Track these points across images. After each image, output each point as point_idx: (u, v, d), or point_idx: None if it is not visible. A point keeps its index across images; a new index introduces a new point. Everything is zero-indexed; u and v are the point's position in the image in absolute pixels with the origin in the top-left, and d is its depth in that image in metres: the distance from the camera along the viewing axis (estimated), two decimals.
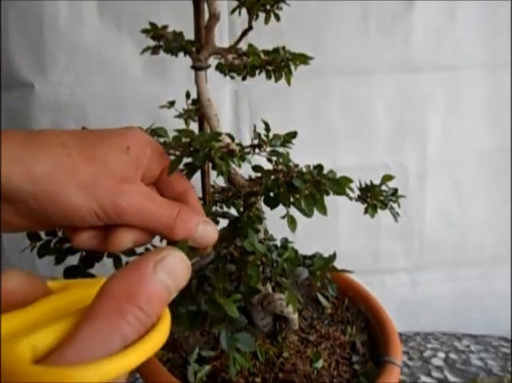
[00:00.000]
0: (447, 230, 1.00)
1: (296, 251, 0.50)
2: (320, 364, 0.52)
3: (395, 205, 0.50)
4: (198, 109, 0.56)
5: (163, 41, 0.51)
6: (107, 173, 0.35)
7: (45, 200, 0.33)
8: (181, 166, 0.47)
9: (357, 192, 0.49)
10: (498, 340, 0.98)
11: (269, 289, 0.51)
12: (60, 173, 0.33)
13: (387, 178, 0.50)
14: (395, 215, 0.49)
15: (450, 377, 0.87)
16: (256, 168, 0.48)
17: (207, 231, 0.38)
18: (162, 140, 0.49)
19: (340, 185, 0.42)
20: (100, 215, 0.35)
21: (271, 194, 0.43)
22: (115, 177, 0.35)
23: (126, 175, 0.36)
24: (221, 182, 0.56)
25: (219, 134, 0.45)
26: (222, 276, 0.43)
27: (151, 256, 0.27)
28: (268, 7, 0.47)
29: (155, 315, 0.26)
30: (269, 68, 0.49)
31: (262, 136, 0.49)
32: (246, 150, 0.49)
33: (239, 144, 0.50)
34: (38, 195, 0.33)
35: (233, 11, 0.48)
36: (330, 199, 0.42)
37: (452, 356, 0.92)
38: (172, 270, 0.28)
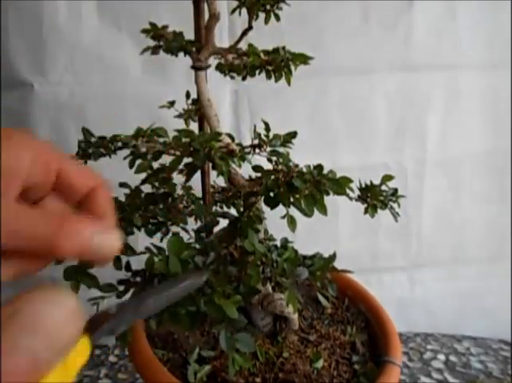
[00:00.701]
0: (445, 229, 1.00)
1: (296, 251, 0.50)
2: (320, 364, 0.52)
3: (395, 205, 0.50)
4: (198, 109, 0.56)
5: (163, 41, 0.51)
6: None
7: None
8: (181, 166, 0.47)
9: (357, 192, 0.49)
10: (498, 342, 0.98)
11: (269, 289, 0.51)
12: None
13: (387, 178, 0.50)
14: (395, 215, 0.49)
15: (450, 379, 0.87)
16: (256, 168, 0.48)
17: (105, 242, 0.31)
18: (162, 140, 0.49)
19: (340, 185, 0.42)
20: None
21: (271, 194, 0.43)
22: None
23: None
24: (221, 182, 0.56)
25: (219, 134, 0.45)
26: (222, 279, 0.42)
27: (1, 310, 0.20)
28: (268, 7, 0.47)
29: None
30: (269, 68, 0.49)
31: (262, 136, 0.49)
32: (246, 150, 0.49)
33: (239, 144, 0.50)
34: None
35: (233, 11, 0.48)
36: (330, 199, 0.42)
37: (452, 358, 0.92)
38: (35, 326, 0.19)
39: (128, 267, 0.49)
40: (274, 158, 0.47)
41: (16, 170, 0.31)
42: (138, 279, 0.50)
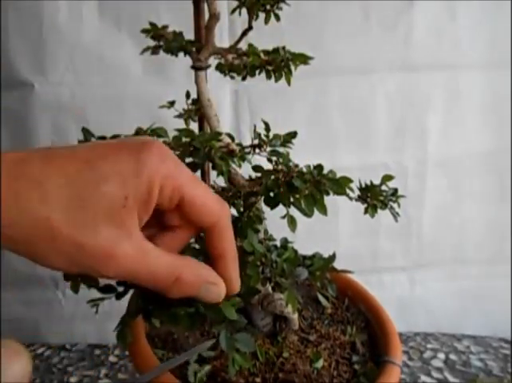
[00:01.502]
0: (445, 229, 1.00)
1: (295, 251, 0.50)
2: (320, 364, 0.52)
3: (395, 205, 0.50)
4: (198, 109, 0.56)
5: (163, 41, 0.51)
6: (94, 240, 0.29)
7: (28, 257, 0.30)
8: None
9: (357, 192, 0.49)
10: (498, 341, 0.98)
11: (269, 289, 0.51)
12: (37, 240, 0.28)
13: (387, 178, 0.50)
14: (396, 215, 0.49)
15: (450, 378, 0.87)
16: (256, 168, 0.48)
17: (210, 293, 0.34)
18: (162, 139, 0.49)
19: (340, 185, 0.42)
20: (82, 272, 0.31)
21: (271, 194, 0.43)
22: (101, 246, 0.29)
23: (117, 239, 0.30)
24: (221, 182, 0.56)
25: (219, 134, 0.45)
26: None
27: None
28: (268, 7, 0.47)
29: None
30: (269, 68, 0.49)
31: (262, 136, 0.49)
32: (246, 150, 0.49)
33: (239, 144, 0.50)
34: (20, 253, 0.29)
35: (233, 11, 0.48)
36: (330, 199, 0.42)
37: (452, 357, 0.93)
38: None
39: None
40: (274, 158, 0.47)
41: (149, 200, 0.31)
42: None
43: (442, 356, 0.93)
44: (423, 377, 0.87)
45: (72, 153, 0.30)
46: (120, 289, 0.48)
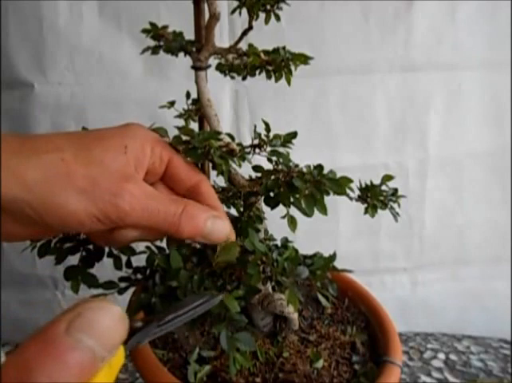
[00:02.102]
0: (446, 230, 1.00)
1: (296, 251, 0.50)
2: (320, 364, 0.52)
3: (395, 205, 0.50)
4: (198, 109, 0.56)
5: (163, 41, 0.51)
6: (104, 175, 0.33)
7: (41, 208, 0.31)
8: None
9: (357, 192, 0.49)
10: (498, 341, 0.98)
11: (270, 289, 0.51)
12: (53, 179, 0.32)
13: (388, 178, 0.50)
14: (396, 216, 0.49)
15: (451, 378, 0.87)
16: (256, 168, 0.48)
17: (217, 226, 0.37)
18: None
19: (340, 185, 0.42)
20: (102, 219, 0.33)
21: (271, 194, 0.43)
22: (113, 178, 0.34)
23: (125, 175, 0.34)
24: (221, 182, 0.56)
25: (218, 133, 0.45)
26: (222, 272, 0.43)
27: (63, 315, 0.22)
28: (268, 7, 0.47)
29: None
30: (269, 68, 0.49)
31: (262, 136, 0.49)
32: (246, 150, 0.48)
33: (239, 144, 0.50)
34: (33, 203, 0.31)
35: (233, 11, 0.48)
36: (330, 199, 0.42)
37: (452, 357, 0.92)
38: (93, 327, 0.22)
39: (128, 264, 0.50)
40: (274, 158, 0.47)
41: (143, 157, 0.37)
42: (139, 276, 0.50)
43: (442, 356, 0.93)
44: (424, 377, 0.86)
45: (81, 131, 0.39)
46: (122, 285, 0.48)
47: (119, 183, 0.34)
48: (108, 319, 0.23)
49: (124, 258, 0.48)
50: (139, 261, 0.50)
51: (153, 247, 0.51)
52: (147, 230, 0.36)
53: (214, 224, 0.37)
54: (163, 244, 0.47)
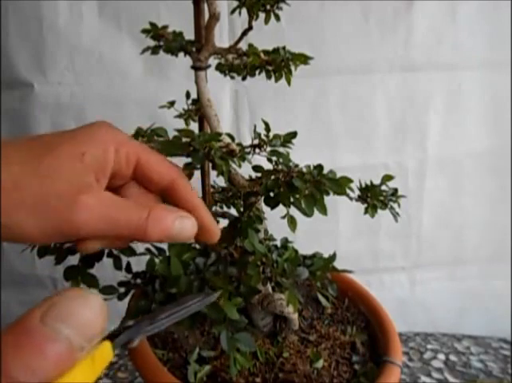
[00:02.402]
0: (445, 229, 1.00)
1: (296, 251, 0.50)
2: (320, 364, 0.52)
3: (395, 205, 0.50)
4: (198, 109, 0.56)
5: (163, 41, 0.51)
6: (56, 188, 0.31)
7: None
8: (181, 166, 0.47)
9: (357, 192, 0.49)
10: (498, 342, 0.98)
11: (270, 289, 0.51)
12: (3, 197, 0.29)
13: (388, 178, 0.50)
14: (396, 215, 0.49)
15: (450, 378, 0.87)
16: (256, 168, 0.48)
17: (185, 226, 0.35)
18: (162, 139, 0.49)
19: (340, 185, 0.42)
20: (57, 235, 0.31)
21: (271, 194, 0.43)
22: (66, 190, 0.31)
23: (81, 186, 0.32)
24: (221, 182, 0.56)
25: (219, 134, 0.45)
26: (222, 279, 0.42)
27: (39, 305, 0.22)
28: (268, 7, 0.47)
29: None
30: (269, 68, 0.49)
31: (262, 136, 0.49)
32: (246, 150, 0.48)
33: (239, 144, 0.50)
34: None
35: (233, 11, 0.48)
36: (330, 199, 0.42)
37: (452, 357, 0.92)
38: (69, 316, 0.22)
39: (128, 269, 0.49)
40: (274, 158, 0.47)
41: (105, 162, 0.34)
42: (138, 281, 0.50)
43: (442, 356, 0.93)
44: (423, 378, 0.86)
45: (33, 136, 0.34)
46: (122, 290, 0.48)
47: (72, 196, 0.31)
48: (86, 308, 0.23)
49: (124, 259, 0.48)
50: (139, 263, 0.50)
51: (153, 249, 0.51)
52: (111, 238, 0.34)
53: (183, 224, 0.35)
54: (164, 245, 0.47)
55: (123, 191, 0.37)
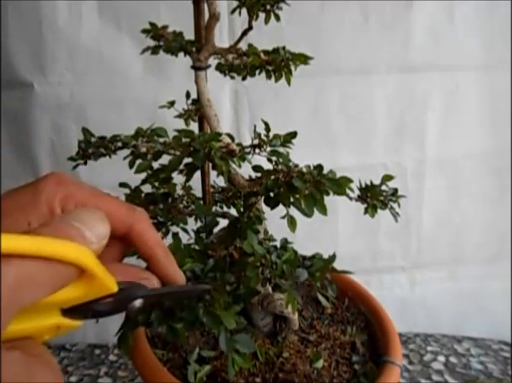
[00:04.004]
0: (445, 229, 1.00)
1: (295, 252, 0.50)
2: (320, 364, 0.52)
3: (395, 205, 0.50)
4: (198, 109, 0.56)
5: (163, 41, 0.51)
6: None
7: None
8: (181, 166, 0.47)
9: (357, 192, 0.49)
10: (498, 343, 0.98)
11: (269, 289, 0.51)
12: None
13: (387, 178, 0.50)
14: (395, 215, 0.49)
15: (450, 380, 0.87)
16: (256, 168, 0.48)
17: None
18: (162, 140, 0.49)
19: (339, 185, 0.42)
20: None
21: (271, 194, 0.43)
22: None
23: None
24: (221, 182, 0.56)
25: (219, 134, 0.45)
26: (220, 286, 0.42)
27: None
28: (268, 7, 0.47)
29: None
30: (269, 68, 0.49)
31: (262, 136, 0.49)
32: (246, 150, 0.48)
33: (239, 144, 0.50)
34: None
35: (233, 11, 0.48)
36: (330, 199, 0.42)
37: (452, 359, 0.92)
38: (83, 218, 0.28)
39: None
40: (274, 158, 0.47)
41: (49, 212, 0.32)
42: None
43: (442, 358, 0.93)
44: (424, 381, 0.86)
45: None
46: None
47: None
48: (95, 215, 0.29)
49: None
50: (139, 263, 0.50)
51: None
52: None
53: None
54: None
55: None
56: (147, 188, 0.54)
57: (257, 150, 0.49)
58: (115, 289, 0.28)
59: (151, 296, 0.31)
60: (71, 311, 0.27)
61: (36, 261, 0.24)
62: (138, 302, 0.30)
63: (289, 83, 0.49)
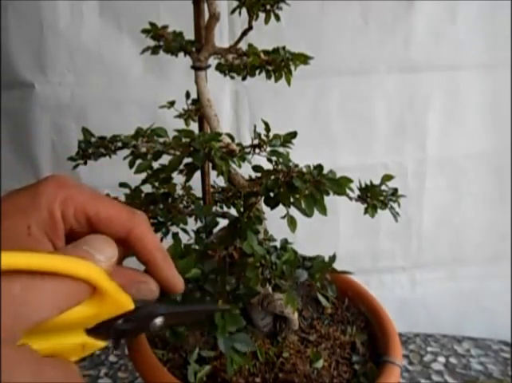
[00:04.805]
0: (445, 229, 1.00)
1: (295, 253, 0.50)
2: (320, 364, 0.52)
3: (395, 205, 0.50)
4: (198, 109, 0.56)
5: (163, 41, 0.51)
6: None
7: None
8: (181, 166, 0.47)
9: (357, 192, 0.49)
10: (498, 343, 0.98)
11: (269, 289, 0.51)
12: None
13: (387, 178, 0.50)
14: (396, 215, 0.49)
15: (450, 380, 0.87)
16: (256, 168, 0.48)
17: (142, 292, 0.32)
18: (162, 140, 0.49)
19: (340, 185, 0.42)
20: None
21: (271, 194, 0.43)
22: None
23: None
24: (221, 182, 0.56)
25: (219, 134, 0.45)
26: (221, 287, 0.43)
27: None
28: (268, 7, 0.47)
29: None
30: (269, 68, 0.49)
31: (262, 136, 0.49)
32: (246, 150, 0.48)
33: (239, 144, 0.50)
34: None
35: (233, 11, 0.48)
36: (330, 199, 0.42)
37: (452, 360, 0.92)
38: (91, 242, 0.29)
39: None
40: (274, 158, 0.47)
41: (54, 224, 0.32)
42: None
43: (442, 359, 0.93)
44: (424, 381, 0.86)
45: None
46: None
47: None
48: (101, 238, 0.31)
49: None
50: (139, 263, 0.50)
51: None
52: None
53: (140, 291, 0.33)
54: (164, 245, 0.47)
55: None
56: (147, 188, 0.54)
57: (257, 150, 0.49)
58: (131, 306, 0.28)
59: (171, 314, 0.32)
60: (94, 331, 0.28)
61: (45, 276, 0.24)
62: (159, 321, 0.30)
63: (289, 83, 0.49)
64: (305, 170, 0.43)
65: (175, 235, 0.50)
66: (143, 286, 0.33)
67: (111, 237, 0.33)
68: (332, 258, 0.53)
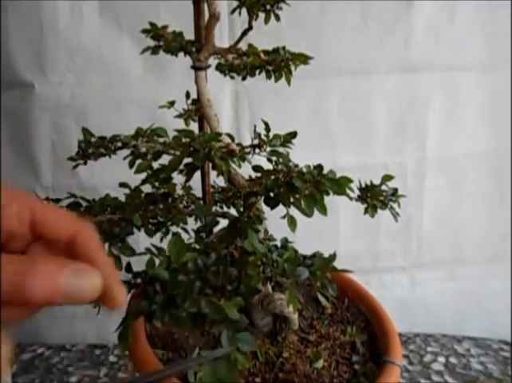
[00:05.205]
0: (445, 229, 1.00)
1: (296, 251, 0.50)
2: (320, 364, 0.52)
3: (395, 205, 0.50)
4: (198, 109, 0.56)
5: (163, 41, 0.51)
6: None
7: None
8: (181, 166, 0.47)
9: (357, 192, 0.49)
10: (498, 343, 0.98)
11: (270, 289, 0.51)
12: None
13: (387, 178, 0.50)
14: (396, 215, 0.49)
15: (450, 380, 0.87)
16: (256, 168, 0.48)
17: (81, 282, 0.29)
18: (162, 140, 0.49)
19: (340, 185, 0.42)
20: None
21: (271, 194, 0.43)
22: None
23: None
24: (221, 182, 0.56)
25: (219, 134, 0.45)
26: (223, 279, 0.42)
27: None
28: (268, 7, 0.47)
29: None
30: (269, 68, 0.49)
31: (262, 136, 0.49)
32: (246, 150, 0.49)
33: (239, 144, 0.50)
34: None
35: (233, 11, 0.48)
36: (330, 199, 0.42)
37: (452, 360, 0.92)
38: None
39: (128, 269, 0.49)
40: (274, 158, 0.47)
41: None
42: (139, 281, 0.49)
43: (442, 359, 0.93)
44: (424, 381, 0.86)
45: None
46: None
47: None
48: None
49: (124, 259, 0.48)
50: (139, 263, 0.50)
51: (153, 249, 0.51)
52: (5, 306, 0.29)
53: (78, 278, 0.29)
54: (163, 245, 0.47)
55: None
56: (147, 188, 0.54)
57: (257, 150, 0.49)
58: None
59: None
60: None
61: None
62: None
63: (289, 83, 0.49)
64: (305, 170, 0.43)
65: (175, 234, 0.50)
66: (85, 275, 0.30)
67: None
68: (333, 256, 0.53)
